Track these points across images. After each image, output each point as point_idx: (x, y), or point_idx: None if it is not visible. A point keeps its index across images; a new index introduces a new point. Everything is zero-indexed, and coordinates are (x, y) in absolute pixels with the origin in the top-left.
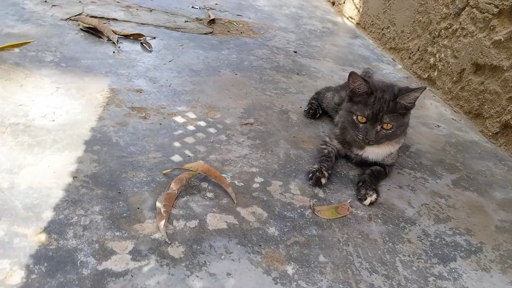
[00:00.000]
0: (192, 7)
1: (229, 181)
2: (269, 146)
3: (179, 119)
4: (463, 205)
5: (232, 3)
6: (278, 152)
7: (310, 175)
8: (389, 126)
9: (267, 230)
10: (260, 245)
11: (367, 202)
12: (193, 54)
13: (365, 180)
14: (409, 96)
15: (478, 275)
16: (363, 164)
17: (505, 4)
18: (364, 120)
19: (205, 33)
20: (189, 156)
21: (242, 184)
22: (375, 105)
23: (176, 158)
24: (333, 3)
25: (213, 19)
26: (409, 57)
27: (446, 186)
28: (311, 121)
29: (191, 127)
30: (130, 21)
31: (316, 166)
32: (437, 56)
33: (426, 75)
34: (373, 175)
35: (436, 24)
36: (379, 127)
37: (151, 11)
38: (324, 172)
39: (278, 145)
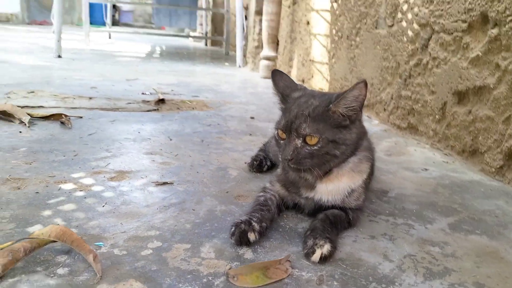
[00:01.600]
0: (143, 93)
1: (106, 250)
2: (187, 205)
3: (67, 186)
4: (467, 252)
5: (191, 88)
6: (198, 210)
7: (233, 229)
8: (314, 140)
9: None
10: None
11: (315, 256)
12: (123, 127)
13: (315, 227)
14: (346, 99)
15: None
16: (319, 211)
17: (473, 16)
18: (283, 135)
19: (147, 110)
20: (58, 224)
21: (124, 252)
22: (292, 112)
23: (36, 227)
24: (303, 81)
25: (162, 99)
26: (384, 109)
27: (441, 231)
28: (256, 175)
29: (79, 193)
30: (59, 107)
31: (243, 218)
32: (412, 98)
33: (406, 123)
34: (327, 221)
35: (405, 64)
36: (298, 142)
37: (90, 98)
38: (254, 224)
39: (201, 202)
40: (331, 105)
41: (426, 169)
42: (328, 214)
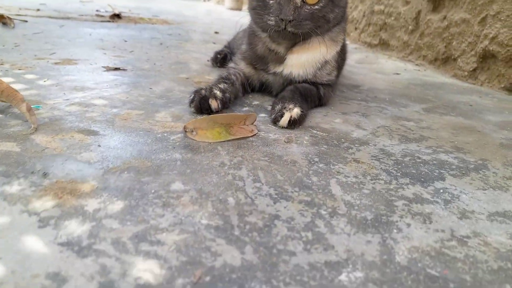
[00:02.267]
0: (97, 10)
1: (45, 112)
2: (142, 84)
3: (4, 66)
4: (443, 126)
5: (151, 11)
6: (154, 89)
7: (192, 95)
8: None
9: (78, 156)
10: (45, 174)
11: (284, 120)
12: (72, 30)
13: (284, 96)
14: None
15: (489, 195)
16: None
17: None
18: None
19: (101, 21)
20: None
21: (67, 113)
22: None
23: None
24: None
25: (118, 14)
26: (355, 28)
27: (415, 113)
28: (219, 69)
29: (17, 71)
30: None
31: (203, 86)
32: (385, 12)
33: (377, 40)
34: (297, 92)
35: None
36: (298, 0)
37: (38, 10)
38: (215, 91)
39: (158, 84)
40: None
41: (397, 74)
42: (298, 86)
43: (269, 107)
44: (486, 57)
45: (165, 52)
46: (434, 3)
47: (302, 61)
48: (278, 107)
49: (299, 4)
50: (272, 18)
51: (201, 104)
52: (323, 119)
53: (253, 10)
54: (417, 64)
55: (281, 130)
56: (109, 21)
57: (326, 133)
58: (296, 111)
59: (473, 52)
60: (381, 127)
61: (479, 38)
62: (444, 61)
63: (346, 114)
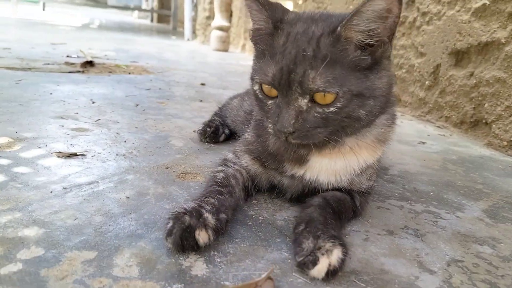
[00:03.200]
0: (68, 56)
1: None
2: (101, 187)
3: None
4: None
5: (130, 54)
6: (118, 194)
7: (170, 224)
8: (329, 98)
9: None
10: None
11: (320, 269)
12: (30, 88)
13: (312, 218)
14: (361, 15)
15: None
16: (309, 195)
17: None
18: (273, 91)
19: (69, 72)
20: None
21: None
22: (288, 50)
23: None
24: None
25: (91, 61)
26: None
27: (479, 221)
28: (209, 146)
29: None
30: None
31: (189, 205)
32: (395, 63)
33: None
34: (328, 209)
35: None
36: (303, 102)
37: None
38: (206, 215)
39: (125, 182)
40: (342, 29)
41: (423, 142)
42: (329, 198)
43: (282, 223)
44: None
45: (141, 120)
46: (457, 56)
47: (335, 168)
48: (307, 245)
49: (304, 108)
50: (270, 125)
51: (183, 239)
52: (365, 250)
53: (256, 105)
54: (438, 126)
55: (312, 284)
56: (79, 71)
57: (379, 286)
58: (336, 256)
59: None
60: (453, 264)
61: None
62: (473, 124)
63: (392, 234)
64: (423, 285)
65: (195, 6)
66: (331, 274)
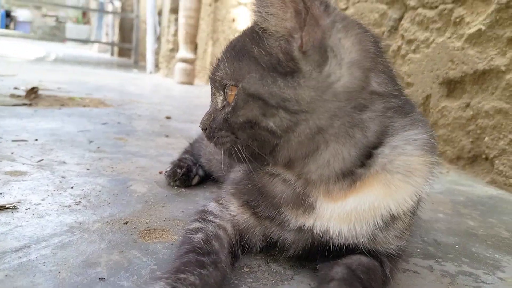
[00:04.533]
0: (15, 88)
1: None
2: (33, 255)
3: None
4: None
5: (87, 86)
6: (56, 266)
7: None
8: (232, 93)
9: None
10: None
11: None
12: None
13: None
14: None
15: None
16: (324, 258)
17: None
18: None
19: (13, 105)
20: None
21: None
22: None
23: None
24: None
25: (35, 91)
26: None
27: None
28: (180, 191)
29: None
30: None
31: (156, 286)
32: None
33: None
34: (356, 283)
35: None
36: (220, 99)
37: None
38: None
39: (68, 247)
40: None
41: None
42: (354, 268)
43: None
44: None
45: (95, 160)
46: (449, 86)
47: (347, 210)
48: None
49: (219, 105)
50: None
51: None
52: None
53: None
54: None
55: None
56: (25, 104)
57: None
58: None
59: None
60: None
61: None
62: (472, 160)
63: None
64: None
65: (158, 39)
66: None
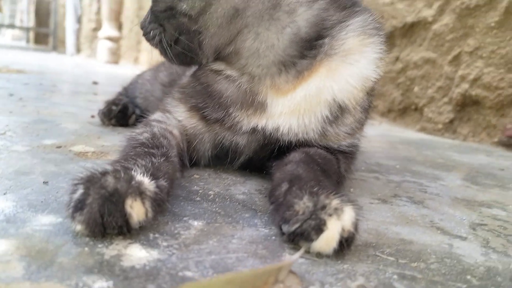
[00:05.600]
0: None
1: None
2: None
3: None
4: None
5: (4, 60)
6: None
7: (79, 192)
8: None
9: None
10: None
11: (329, 239)
12: None
13: (298, 175)
14: None
15: None
16: (276, 160)
17: None
18: None
19: None
20: None
21: None
22: None
23: None
24: None
25: None
26: None
27: (468, 188)
28: (115, 129)
29: None
30: None
31: (109, 167)
32: None
33: None
34: (313, 165)
35: None
36: None
37: None
38: (139, 178)
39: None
40: None
41: None
42: (312, 154)
43: (242, 196)
44: (466, 105)
45: (18, 107)
46: None
47: (297, 101)
48: (303, 204)
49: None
50: None
51: (105, 215)
52: (367, 220)
53: None
54: None
55: (321, 262)
56: None
57: (412, 259)
58: (350, 216)
59: (446, 99)
60: (478, 228)
61: (453, 81)
62: (402, 112)
63: (387, 203)
64: (464, 252)
65: (79, 19)
66: (346, 244)
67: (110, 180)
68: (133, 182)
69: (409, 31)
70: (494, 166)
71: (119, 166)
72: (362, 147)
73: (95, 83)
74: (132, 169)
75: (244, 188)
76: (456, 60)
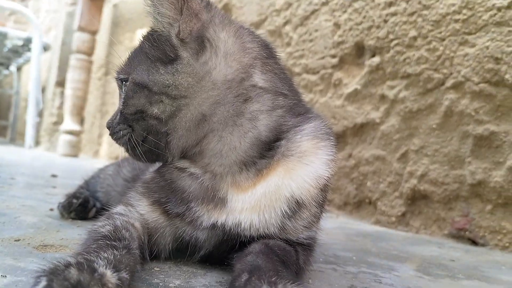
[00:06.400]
0: None
1: None
2: None
3: None
4: None
5: None
6: None
7: (43, 283)
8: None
9: None
10: None
11: None
12: None
13: (258, 266)
14: None
15: None
16: (231, 248)
17: (345, 49)
18: None
19: None
20: None
21: None
22: None
23: None
24: (116, 157)
25: None
26: None
27: (420, 278)
28: (75, 222)
29: None
30: None
31: (72, 259)
32: None
33: None
34: (272, 255)
35: None
36: (122, 96)
37: None
38: (101, 270)
39: None
40: None
41: None
42: (271, 245)
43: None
44: (416, 199)
45: None
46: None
47: (257, 197)
48: None
49: (121, 104)
50: None
51: None
52: None
53: None
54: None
55: None
56: None
57: None
58: None
59: (397, 193)
60: None
61: (402, 176)
62: (357, 205)
63: None
64: None
65: (40, 113)
66: None
67: (73, 272)
68: (95, 274)
69: (360, 130)
70: (445, 257)
71: (81, 258)
72: (320, 240)
73: (53, 176)
74: (94, 262)
75: (205, 280)
76: (404, 158)
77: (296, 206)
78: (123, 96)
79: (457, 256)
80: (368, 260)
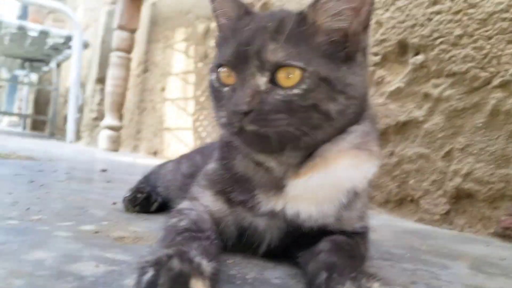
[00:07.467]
0: None
1: None
2: (14, 247)
3: None
4: None
5: (10, 147)
6: (37, 258)
7: (150, 274)
8: (295, 78)
9: None
10: None
11: None
12: None
13: (334, 264)
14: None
15: None
16: (292, 243)
17: (389, 46)
18: (229, 77)
19: None
20: None
21: None
22: (247, 28)
23: None
24: (155, 153)
25: None
26: None
27: (476, 276)
28: (139, 216)
29: None
30: None
31: (167, 251)
32: None
33: None
34: (343, 252)
35: None
36: (262, 80)
37: None
38: (197, 260)
39: (44, 245)
40: (306, 9)
41: None
42: (339, 242)
43: (278, 281)
44: (460, 197)
45: (42, 193)
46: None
47: (318, 193)
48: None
49: (262, 87)
50: (223, 113)
51: None
52: None
53: (211, 102)
54: None
55: None
56: None
57: None
58: None
59: (441, 192)
60: None
61: (446, 175)
62: (399, 203)
63: None
64: None
65: (80, 110)
66: None
67: (176, 263)
68: (193, 264)
69: (402, 128)
70: (495, 256)
71: (177, 250)
72: (372, 237)
73: (103, 170)
74: (189, 252)
75: (277, 273)
76: (448, 156)
77: (354, 197)
78: (302, 87)
79: (506, 255)
80: (421, 257)
